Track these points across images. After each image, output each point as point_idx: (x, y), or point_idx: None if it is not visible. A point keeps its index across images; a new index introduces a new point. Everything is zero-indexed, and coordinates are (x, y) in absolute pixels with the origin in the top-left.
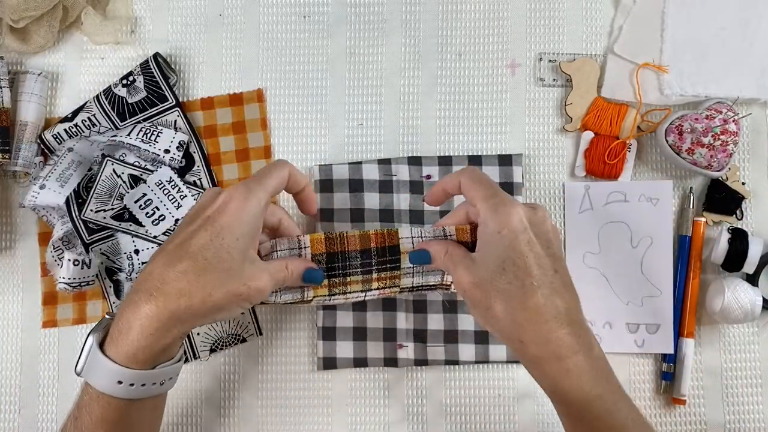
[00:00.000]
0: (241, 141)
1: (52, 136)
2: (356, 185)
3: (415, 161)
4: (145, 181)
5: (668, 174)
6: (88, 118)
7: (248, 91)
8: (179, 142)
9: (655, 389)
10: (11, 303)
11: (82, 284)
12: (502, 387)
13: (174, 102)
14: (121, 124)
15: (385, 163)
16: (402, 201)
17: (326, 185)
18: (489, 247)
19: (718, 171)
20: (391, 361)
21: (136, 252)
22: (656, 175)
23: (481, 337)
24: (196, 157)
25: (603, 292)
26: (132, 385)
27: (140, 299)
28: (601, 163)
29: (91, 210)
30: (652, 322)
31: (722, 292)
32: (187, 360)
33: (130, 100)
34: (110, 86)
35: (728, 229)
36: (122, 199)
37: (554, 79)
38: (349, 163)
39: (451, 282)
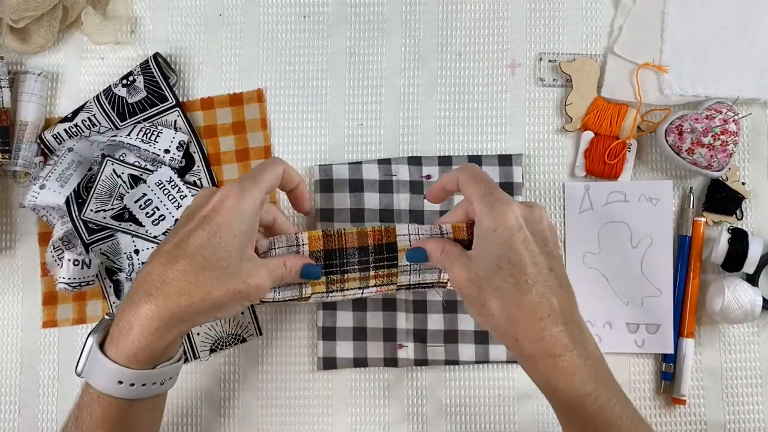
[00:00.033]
0: (241, 141)
1: (52, 136)
2: (356, 185)
3: (415, 161)
4: (145, 181)
5: (668, 174)
6: (88, 118)
7: (248, 91)
8: (179, 142)
9: (655, 389)
10: (11, 303)
11: (82, 284)
12: (502, 387)
13: (174, 102)
14: (121, 124)
15: (385, 163)
16: (402, 201)
17: (326, 185)
18: (485, 244)
19: (718, 171)
20: (391, 361)
21: (136, 252)
22: (656, 175)
23: (481, 337)
24: (196, 157)
25: (603, 292)
26: (132, 385)
27: (140, 299)
28: (601, 163)
29: (91, 210)
30: (652, 322)
31: (722, 292)
32: (187, 360)
33: (130, 100)
34: (110, 86)
35: (728, 229)
36: (122, 199)
37: (554, 79)
38: (349, 163)
39: (448, 279)
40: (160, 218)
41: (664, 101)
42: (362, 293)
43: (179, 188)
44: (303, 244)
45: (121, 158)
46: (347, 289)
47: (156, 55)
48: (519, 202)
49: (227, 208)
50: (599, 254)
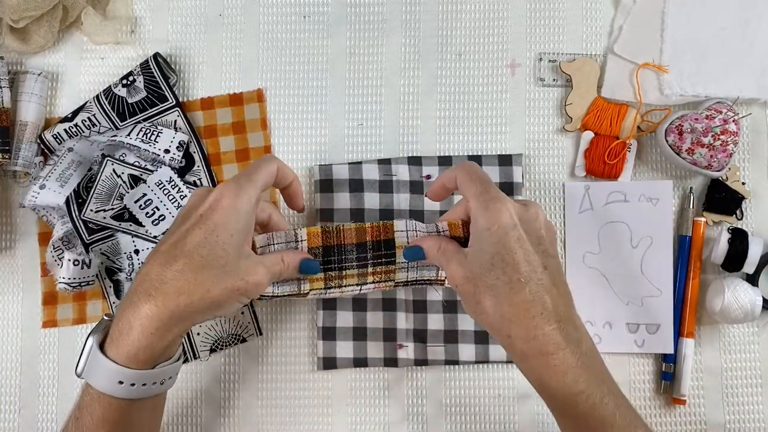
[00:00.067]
0: (241, 141)
1: (52, 136)
2: (356, 185)
3: (415, 161)
4: (145, 181)
5: (668, 174)
6: (88, 118)
7: (248, 91)
8: (179, 142)
9: (655, 389)
10: (11, 303)
11: (82, 284)
12: (502, 387)
13: (174, 102)
14: (121, 124)
15: (385, 163)
16: (402, 201)
17: (326, 185)
18: (480, 243)
19: (718, 171)
20: (391, 361)
21: (136, 252)
22: (656, 175)
23: (481, 337)
24: (196, 157)
25: (603, 292)
26: (133, 384)
27: (139, 300)
28: (601, 163)
29: (91, 210)
30: (652, 322)
31: (722, 292)
32: (187, 360)
33: (130, 100)
34: (110, 86)
35: (728, 229)
36: (122, 199)
37: (554, 79)
38: (349, 163)
39: (446, 277)
40: (160, 218)
41: (664, 101)
42: (360, 290)
43: (179, 188)
44: (302, 240)
45: (121, 158)
46: (345, 286)
47: (156, 55)
48: (515, 201)
49: (223, 207)
50: (599, 254)
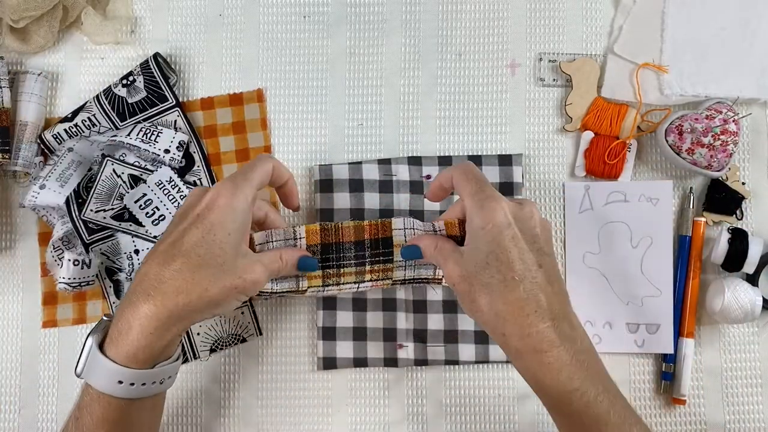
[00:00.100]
0: (241, 141)
1: (52, 136)
2: (356, 185)
3: (415, 161)
4: (145, 181)
5: (668, 174)
6: (88, 118)
7: (248, 91)
8: (179, 142)
9: (655, 389)
10: (11, 303)
11: (82, 284)
12: (502, 387)
13: (174, 102)
14: (121, 124)
15: (385, 163)
16: (402, 201)
17: (326, 185)
18: (475, 241)
19: (718, 171)
20: (391, 361)
21: (136, 252)
22: (656, 175)
23: (481, 337)
24: (196, 157)
25: (603, 292)
26: (132, 384)
27: (138, 300)
28: (601, 163)
29: (91, 210)
30: (652, 322)
31: (722, 292)
32: (186, 360)
33: (130, 100)
34: (110, 86)
35: (728, 229)
36: (122, 199)
37: (554, 79)
38: (349, 163)
39: (443, 276)
40: (160, 218)
41: (664, 101)
42: (358, 287)
43: (179, 188)
44: (300, 238)
45: (121, 158)
46: (343, 283)
47: (156, 55)
48: (511, 199)
49: (220, 206)
50: (599, 254)
